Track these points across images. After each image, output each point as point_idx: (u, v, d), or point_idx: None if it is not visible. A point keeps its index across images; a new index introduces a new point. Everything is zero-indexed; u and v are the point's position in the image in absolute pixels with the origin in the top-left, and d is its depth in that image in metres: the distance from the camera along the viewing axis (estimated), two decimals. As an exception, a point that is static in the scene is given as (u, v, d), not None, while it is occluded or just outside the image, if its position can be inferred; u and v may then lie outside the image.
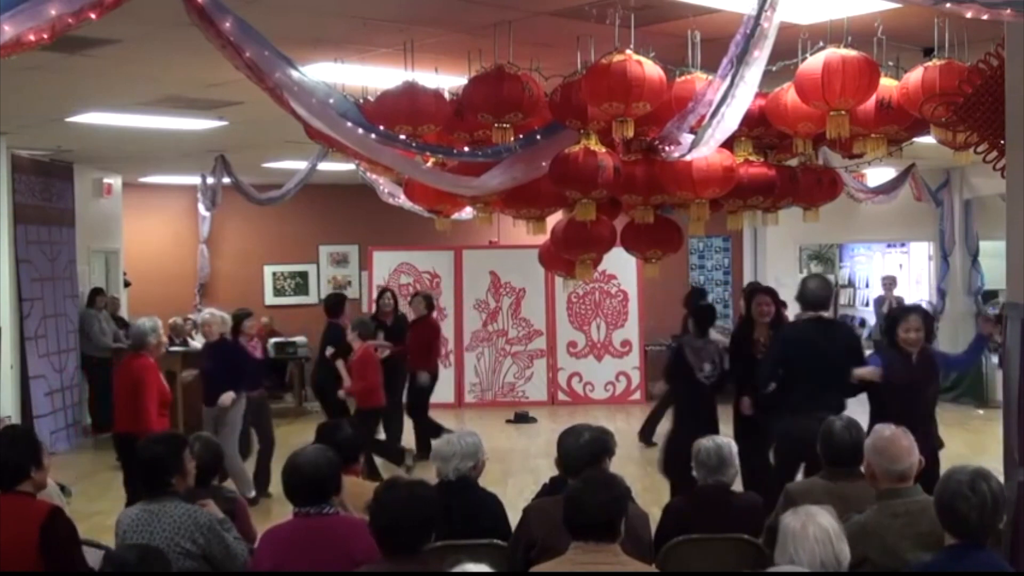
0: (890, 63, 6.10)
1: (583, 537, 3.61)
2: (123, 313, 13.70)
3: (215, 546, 4.12)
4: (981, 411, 12.81)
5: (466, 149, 6.84)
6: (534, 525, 4.30)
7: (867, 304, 16.15)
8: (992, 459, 6.07)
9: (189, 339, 12.53)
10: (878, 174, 13.30)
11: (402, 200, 9.58)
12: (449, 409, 13.77)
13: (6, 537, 3.87)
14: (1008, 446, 4.68)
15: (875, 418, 6.09)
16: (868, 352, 7.15)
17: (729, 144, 6.38)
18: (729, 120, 5.40)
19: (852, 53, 5.57)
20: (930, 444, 6.06)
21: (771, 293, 8.09)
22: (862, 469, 4.32)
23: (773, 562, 3.52)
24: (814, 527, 3.34)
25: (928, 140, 6.53)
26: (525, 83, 6.15)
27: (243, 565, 4.19)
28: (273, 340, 13.89)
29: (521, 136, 6.65)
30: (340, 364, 9.78)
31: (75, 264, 12.15)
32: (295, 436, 9.93)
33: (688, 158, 6.06)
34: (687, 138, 5.76)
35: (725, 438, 4.90)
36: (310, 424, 9.61)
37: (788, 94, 6.04)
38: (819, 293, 6.99)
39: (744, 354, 7.68)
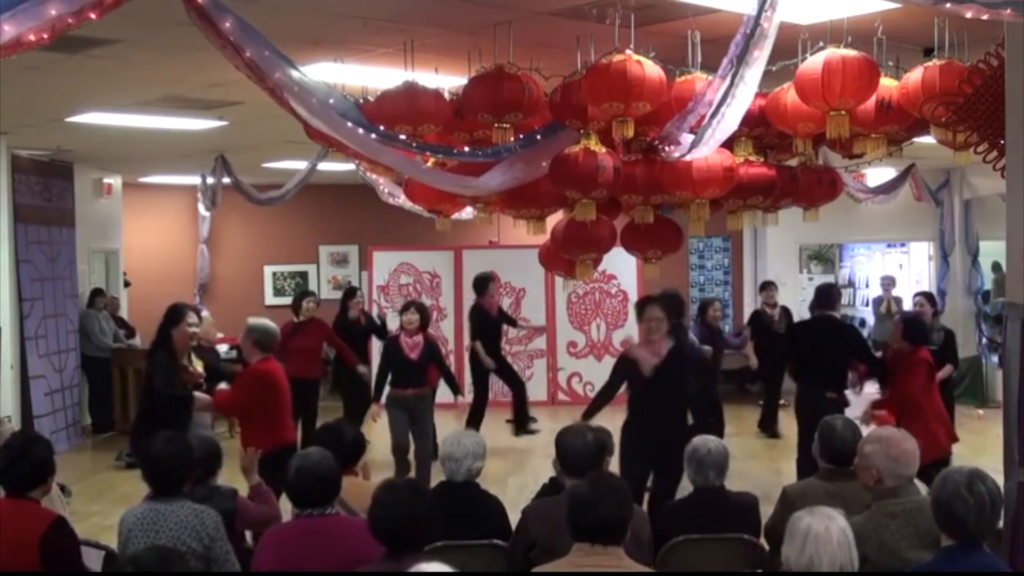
0: (890, 63, 6.11)
1: (588, 538, 3.60)
2: (123, 313, 13.71)
3: (218, 548, 4.13)
4: (981, 411, 12.81)
5: (466, 149, 6.84)
6: (533, 526, 4.30)
7: (867, 304, 16.15)
8: (992, 459, 6.08)
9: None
10: (878, 174, 13.30)
11: (402, 200, 9.58)
12: (449, 409, 13.76)
13: (8, 544, 3.87)
14: (1008, 446, 4.68)
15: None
16: None
17: (729, 144, 6.38)
18: (729, 120, 5.41)
19: (852, 53, 5.57)
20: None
21: None
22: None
23: (778, 562, 3.51)
24: (837, 530, 3.33)
25: (928, 140, 6.53)
26: (525, 83, 6.15)
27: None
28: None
29: (521, 136, 6.66)
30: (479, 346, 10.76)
31: (75, 264, 12.14)
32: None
33: (688, 158, 6.06)
34: (687, 138, 5.77)
35: (719, 439, 4.91)
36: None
37: (788, 94, 6.04)
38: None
39: None
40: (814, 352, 8.14)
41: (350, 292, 11.34)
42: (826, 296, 8.48)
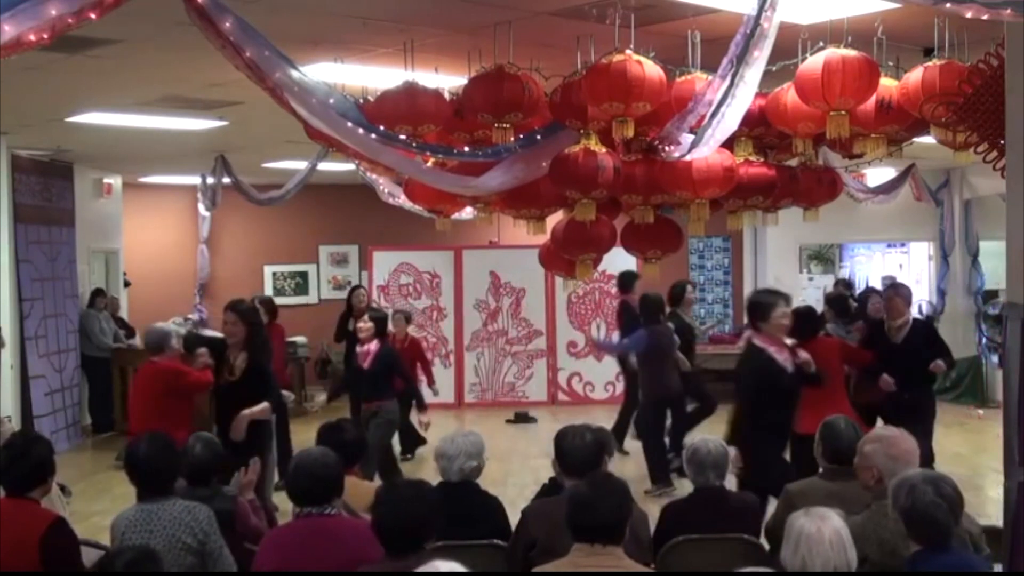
0: (890, 63, 6.11)
1: (588, 538, 3.60)
2: (123, 313, 13.71)
3: (212, 542, 4.14)
4: (981, 411, 12.81)
5: (466, 149, 6.84)
6: (533, 526, 4.30)
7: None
8: (992, 459, 6.10)
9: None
10: (878, 174, 13.30)
11: (402, 200, 9.58)
12: (449, 409, 13.77)
13: (7, 544, 3.87)
14: (1008, 446, 4.68)
15: None
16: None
17: (729, 144, 6.38)
18: (729, 120, 5.41)
19: (852, 53, 5.58)
20: None
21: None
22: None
23: (779, 562, 3.51)
24: (830, 531, 3.33)
25: (928, 140, 6.53)
26: (525, 83, 6.15)
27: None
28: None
29: (521, 136, 6.66)
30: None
31: (75, 264, 12.15)
32: (295, 436, 9.92)
33: (688, 158, 6.06)
34: (687, 138, 5.77)
35: (719, 438, 4.91)
36: (311, 424, 9.58)
37: (788, 94, 6.04)
38: None
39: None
40: None
41: (353, 289, 11.48)
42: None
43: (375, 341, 8.28)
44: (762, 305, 6.44)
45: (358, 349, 8.35)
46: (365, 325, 8.32)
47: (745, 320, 13.49)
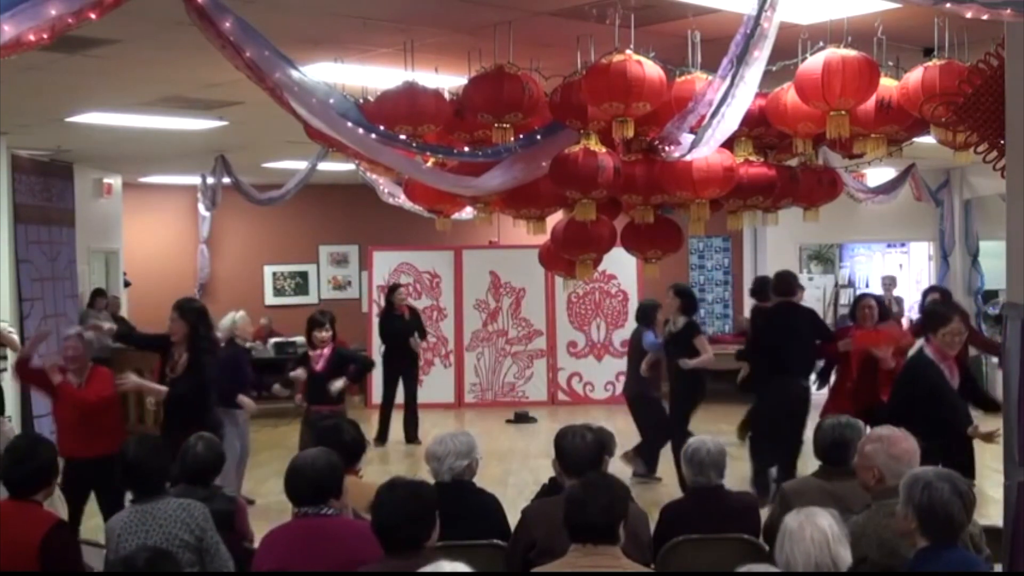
0: (890, 63, 6.11)
1: (583, 539, 3.61)
2: (123, 313, 13.70)
3: (209, 537, 4.16)
4: (981, 411, 12.78)
5: (466, 149, 6.84)
6: (533, 526, 4.30)
7: (867, 304, 16.18)
8: (992, 459, 6.09)
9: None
10: (878, 174, 13.30)
11: (402, 200, 9.58)
12: (449, 409, 13.78)
13: (7, 546, 3.87)
14: (1008, 446, 4.67)
15: None
16: None
17: (729, 144, 6.38)
18: (729, 120, 5.41)
19: (852, 53, 5.58)
20: None
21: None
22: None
23: (774, 561, 3.52)
24: (812, 528, 3.33)
25: (928, 140, 6.53)
26: (525, 83, 6.16)
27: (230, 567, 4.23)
28: (273, 340, 13.90)
29: (521, 136, 6.66)
30: None
31: (75, 264, 12.15)
32: (294, 436, 9.92)
33: (688, 158, 6.06)
34: (687, 138, 5.77)
35: (715, 438, 4.91)
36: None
37: (788, 94, 6.04)
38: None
39: None
40: (783, 340, 8.35)
41: (393, 288, 11.48)
42: (786, 283, 8.71)
43: (329, 344, 8.10)
44: (937, 316, 6.18)
45: (311, 353, 8.13)
46: (323, 335, 8.03)
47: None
